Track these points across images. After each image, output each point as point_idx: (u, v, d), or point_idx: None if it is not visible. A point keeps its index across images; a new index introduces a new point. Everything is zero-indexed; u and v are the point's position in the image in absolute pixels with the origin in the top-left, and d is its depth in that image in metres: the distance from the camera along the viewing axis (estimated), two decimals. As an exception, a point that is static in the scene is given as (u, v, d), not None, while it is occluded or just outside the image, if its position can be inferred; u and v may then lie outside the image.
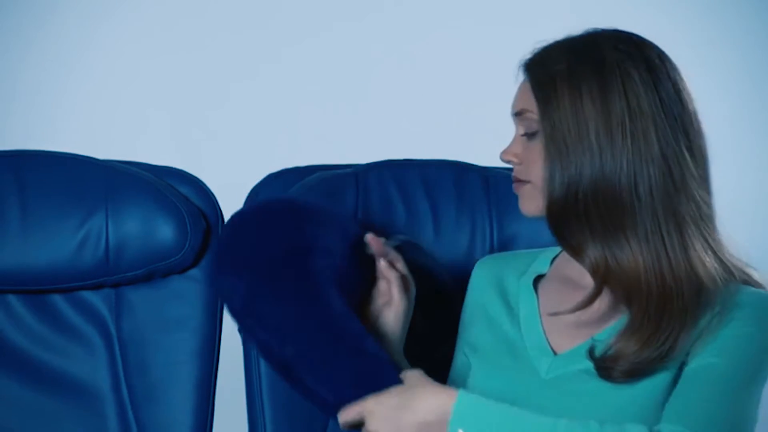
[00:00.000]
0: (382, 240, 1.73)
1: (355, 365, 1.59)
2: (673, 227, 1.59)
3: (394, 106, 2.66)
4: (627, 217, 1.59)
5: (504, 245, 1.94)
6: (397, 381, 1.58)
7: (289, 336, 1.60)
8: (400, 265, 1.72)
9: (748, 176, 2.82)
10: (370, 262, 1.72)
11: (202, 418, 1.89)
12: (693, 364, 1.60)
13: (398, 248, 1.74)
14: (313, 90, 2.68)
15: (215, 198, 1.96)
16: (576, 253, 1.63)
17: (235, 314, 1.63)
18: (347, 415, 1.57)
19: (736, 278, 1.63)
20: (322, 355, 1.59)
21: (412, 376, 1.58)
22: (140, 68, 2.66)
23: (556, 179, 1.60)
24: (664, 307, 1.58)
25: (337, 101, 2.66)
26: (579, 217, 1.61)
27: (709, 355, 1.59)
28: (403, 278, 1.71)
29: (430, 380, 1.58)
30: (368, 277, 1.72)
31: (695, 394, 1.58)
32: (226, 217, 1.95)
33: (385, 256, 1.71)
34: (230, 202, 1.99)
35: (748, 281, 1.65)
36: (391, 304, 1.71)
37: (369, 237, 1.71)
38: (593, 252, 1.61)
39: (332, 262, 1.67)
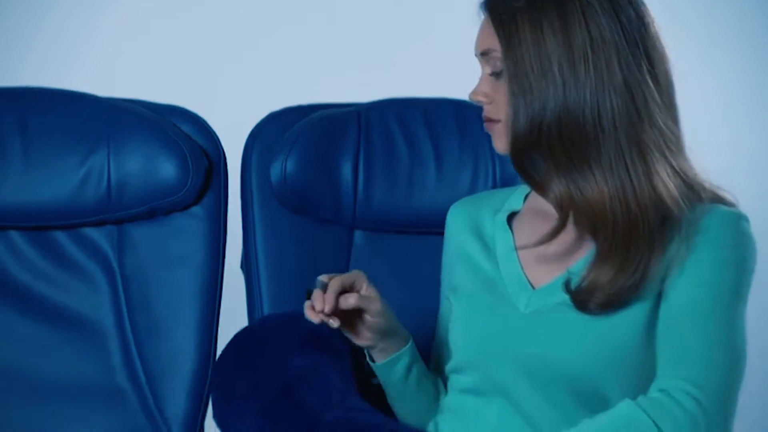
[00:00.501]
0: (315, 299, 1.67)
1: None
2: (637, 155, 1.59)
3: (396, 45, 2.65)
4: (591, 149, 1.59)
5: (506, 182, 1.94)
6: None
7: None
8: (352, 299, 1.66)
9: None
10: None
11: (205, 354, 1.89)
12: (674, 299, 1.60)
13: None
14: (315, 29, 2.67)
15: (217, 136, 1.96)
16: (541, 188, 1.63)
17: None
18: None
19: (705, 200, 1.63)
20: None
21: None
22: (144, 7, 2.65)
23: (521, 116, 1.60)
24: (631, 234, 1.58)
25: (339, 40, 2.65)
26: (543, 152, 1.61)
27: (690, 287, 1.59)
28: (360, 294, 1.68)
29: None
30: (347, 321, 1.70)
31: (684, 337, 1.58)
32: (228, 155, 1.95)
33: (334, 308, 1.65)
34: (232, 141, 1.99)
35: (720, 201, 1.64)
36: (370, 310, 1.69)
37: (308, 313, 1.65)
38: (557, 186, 1.61)
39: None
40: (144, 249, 1.91)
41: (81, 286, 1.91)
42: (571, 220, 1.63)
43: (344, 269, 1.94)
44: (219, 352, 1.88)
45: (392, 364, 1.70)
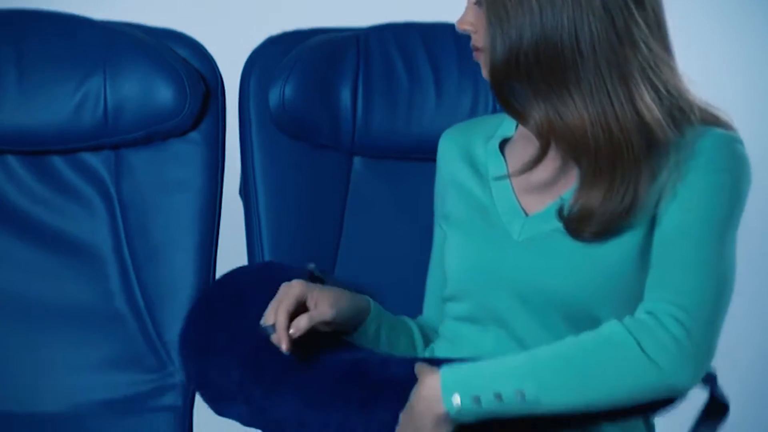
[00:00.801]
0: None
1: None
2: (618, 80, 1.57)
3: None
4: (570, 75, 1.57)
5: (507, 108, 1.93)
6: None
7: None
8: (303, 324, 1.64)
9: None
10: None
11: (204, 280, 1.89)
12: (665, 224, 1.59)
13: (313, 277, 1.72)
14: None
15: (215, 61, 1.94)
16: (521, 116, 1.62)
17: None
18: None
19: (695, 122, 1.61)
20: None
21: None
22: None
23: (498, 45, 1.58)
24: (615, 158, 1.57)
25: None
26: (522, 80, 1.59)
27: (680, 211, 1.58)
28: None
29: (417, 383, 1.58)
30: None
31: (672, 260, 1.57)
32: (226, 80, 1.94)
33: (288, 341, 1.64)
34: (230, 66, 1.98)
35: (714, 122, 1.63)
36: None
37: (274, 339, 1.63)
38: (537, 113, 1.59)
39: None
40: (142, 174, 1.90)
41: (78, 211, 1.91)
42: (555, 147, 1.62)
43: (343, 196, 1.93)
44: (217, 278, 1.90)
45: (359, 336, 1.70)
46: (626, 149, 1.57)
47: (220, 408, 1.67)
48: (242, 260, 1.90)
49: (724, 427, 1.62)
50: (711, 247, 1.57)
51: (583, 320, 1.60)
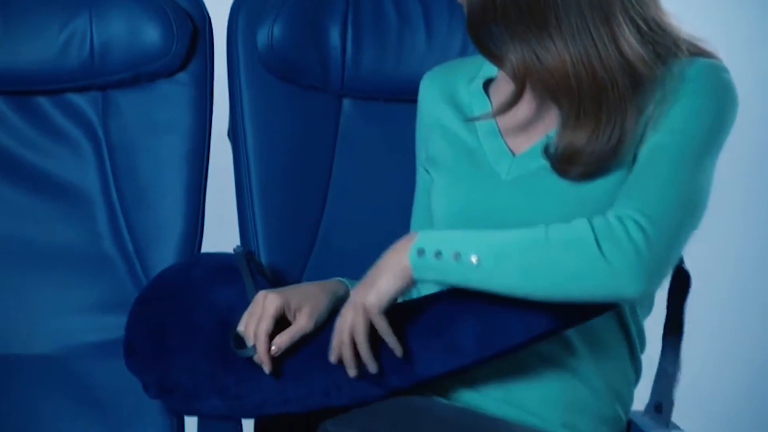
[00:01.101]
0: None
1: None
2: (600, 19, 1.56)
3: None
4: (551, 16, 1.55)
5: (497, 49, 1.91)
6: None
7: None
8: (285, 341, 1.65)
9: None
10: None
11: (193, 223, 1.88)
12: (646, 145, 1.58)
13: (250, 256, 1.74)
14: None
15: (202, 1, 1.92)
16: (497, 59, 1.61)
17: None
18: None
19: (680, 55, 1.60)
20: None
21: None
22: None
23: None
24: (600, 98, 1.56)
25: None
26: (499, 22, 1.58)
27: (661, 133, 1.58)
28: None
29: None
30: None
31: (645, 174, 1.57)
32: (214, 20, 1.92)
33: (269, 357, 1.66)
34: (217, 5, 1.95)
35: (699, 54, 1.62)
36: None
37: (256, 359, 1.65)
38: (514, 56, 1.58)
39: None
40: (129, 116, 1.89)
41: (66, 152, 1.89)
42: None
43: (333, 137, 1.92)
44: (206, 221, 1.89)
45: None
46: (611, 89, 1.57)
47: (194, 406, 1.66)
48: (231, 201, 1.90)
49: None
50: (686, 166, 1.56)
51: None
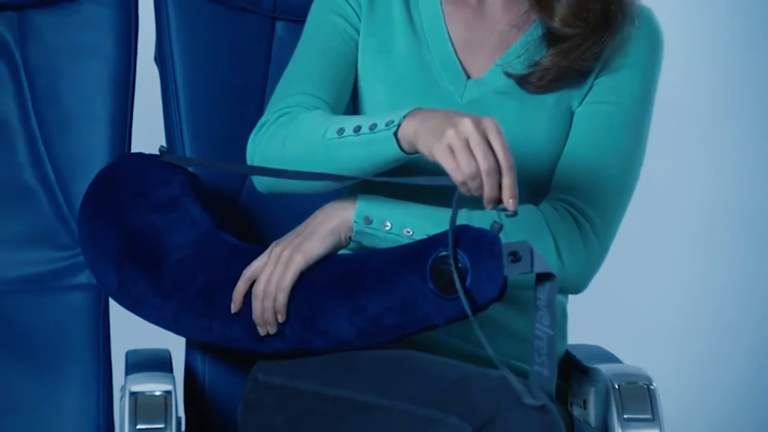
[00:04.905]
0: None
1: None
2: None
3: None
4: None
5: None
6: None
7: None
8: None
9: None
10: None
11: (119, 152, 1.81)
12: (587, 106, 1.60)
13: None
14: None
15: None
16: None
17: None
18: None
19: None
20: None
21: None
22: None
23: None
24: (586, 16, 1.58)
25: None
26: None
27: (605, 93, 1.60)
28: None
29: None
30: None
31: (586, 151, 1.59)
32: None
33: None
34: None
35: None
36: None
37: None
38: None
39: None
40: (49, 39, 1.80)
41: (-21, 77, 1.81)
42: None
43: (265, 63, 1.85)
44: (134, 149, 1.82)
45: None
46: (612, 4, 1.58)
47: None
48: (159, 130, 1.84)
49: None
50: (626, 141, 1.60)
51: (531, 185, 1.59)
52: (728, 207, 2.94)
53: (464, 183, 1.40)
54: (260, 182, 1.61)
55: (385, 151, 1.46)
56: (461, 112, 1.42)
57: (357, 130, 1.48)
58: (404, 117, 1.45)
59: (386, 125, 1.46)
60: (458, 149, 1.39)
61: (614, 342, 1.81)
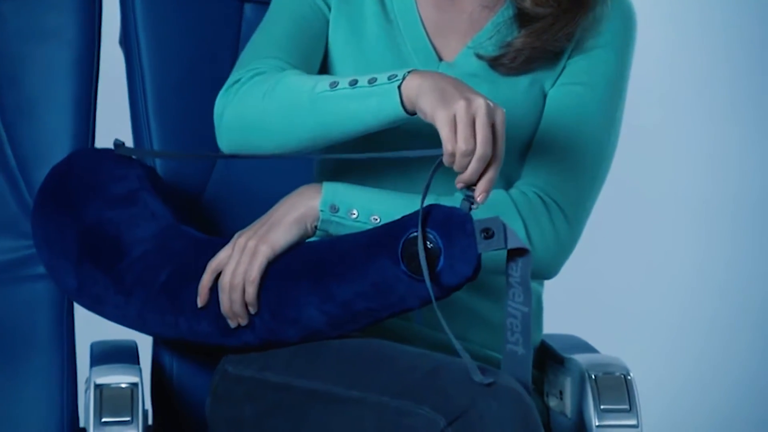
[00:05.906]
0: None
1: None
2: None
3: None
4: None
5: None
6: None
7: None
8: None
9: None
10: None
11: (83, 138, 1.77)
12: (559, 87, 1.60)
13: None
14: None
15: None
16: None
17: None
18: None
19: None
20: None
21: None
22: None
23: None
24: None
25: None
26: None
27: (578, 75, 1.60)
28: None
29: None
30: None
31: (556, 132, 1.59)
32: None
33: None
34: None
35: None
36: None
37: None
38: None
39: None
40: (10, 22, 1.77)
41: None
42: None
43: (234, 47, 1.82)
44: (97, 137, 1.79)
45: None
46: None
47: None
48: (125, 114, 1.81)
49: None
50: (596, 129, 1.59)
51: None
52: (726, 202, 2.96)
53: (452, 154, 1.40)
54: (225, 138, 1.58)
55: (384, 106, 1.45)
56: (475, 89, 1.43)
57: (353, 83, 1.48)
58: (408, 72, 1.45)
59: (389, 79, 1.46)
60: (463, 123, 1.39)
61: (599, 335, 1.81)
